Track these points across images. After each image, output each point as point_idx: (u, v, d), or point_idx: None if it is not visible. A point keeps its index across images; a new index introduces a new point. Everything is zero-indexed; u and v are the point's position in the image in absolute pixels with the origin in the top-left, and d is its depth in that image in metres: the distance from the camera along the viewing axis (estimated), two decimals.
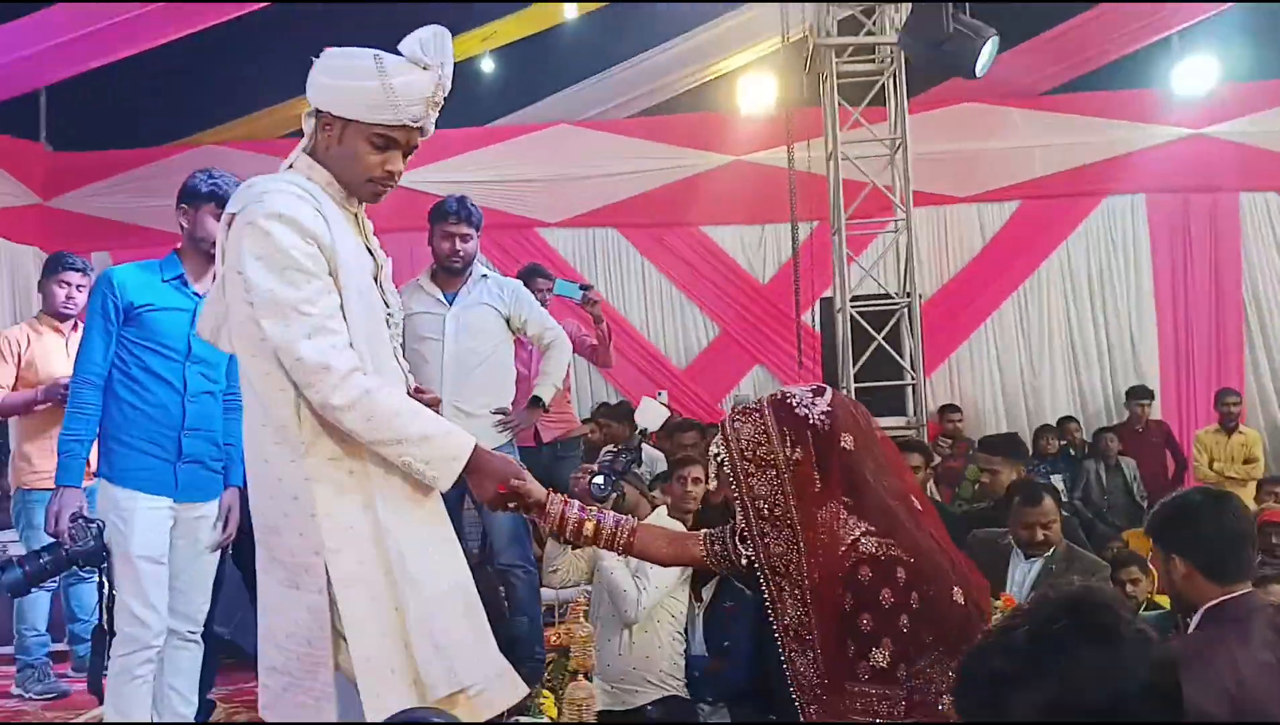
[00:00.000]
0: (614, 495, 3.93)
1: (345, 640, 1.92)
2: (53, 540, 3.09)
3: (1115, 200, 8.47)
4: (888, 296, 6.49)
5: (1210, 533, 2.21)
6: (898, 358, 6.25)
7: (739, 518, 1.87)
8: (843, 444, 1.81)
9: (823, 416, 1.82)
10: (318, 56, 2.06)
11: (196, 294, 3.19)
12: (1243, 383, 8.04)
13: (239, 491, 3.33)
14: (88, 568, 3.34)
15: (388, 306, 2.16)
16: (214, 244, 3.15)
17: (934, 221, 8.32)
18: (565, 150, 8.46)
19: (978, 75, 5.47)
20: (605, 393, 8.54)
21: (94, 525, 3.05)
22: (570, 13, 8.10)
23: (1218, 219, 8.37)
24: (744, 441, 1.84)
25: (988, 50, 5.17)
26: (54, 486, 3.15)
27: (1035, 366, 8.51)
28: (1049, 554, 3.92)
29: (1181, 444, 7.78)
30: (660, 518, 3.84)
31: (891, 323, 6.36)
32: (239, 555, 3.57)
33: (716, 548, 2.04)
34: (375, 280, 2.14)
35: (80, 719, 4.04)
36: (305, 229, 1.94)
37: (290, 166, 2.10)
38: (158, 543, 3.09)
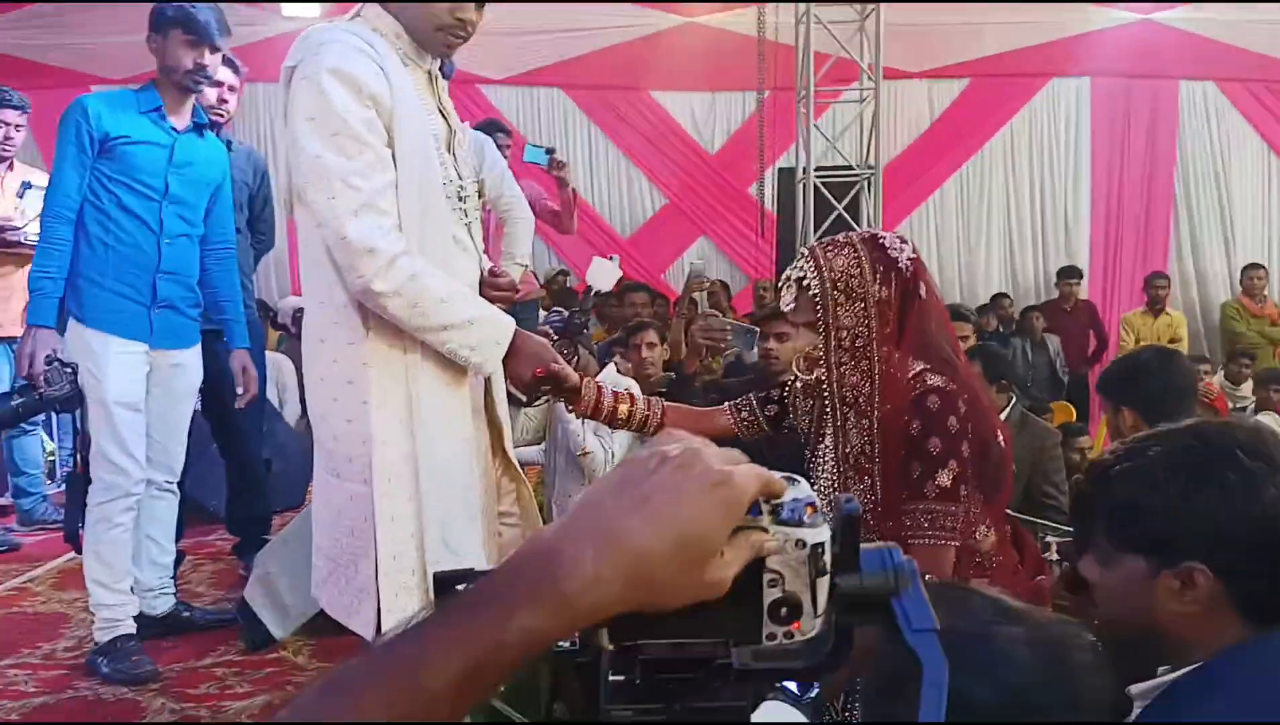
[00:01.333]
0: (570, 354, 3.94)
1: (377, 532, 1.86)
2: (24, 382, 2.92)
3: (1061, 82, 8.56)
4: (849, 168, 6.45)
5: (1158, 386, 2.43)
6: (857, 229, 6.26)
7: (820, 345, 1.85)
8: (920, 292, 1.87)
9: (909, 262, 1.86)
10: None
11: (175, 130, 3.01)
12: (1167, 267, 8.34)
13: (246, 353, 3.29)
14: (63, 411, 3.19)
15: (460, 179, 1.99)
16: (186, 74, 2.95)
17: (885, 95, 8.26)
18: (511, 4, 8.05)
19: None
20: (548, 258, 8.41)
21: (69, 368, 2.88)
22: None
23: (1158, 106, 8.54)
24: (837, 272, 1.83)
25: None
26: (25, 327, 2.98)
27: (972, 244, 8.67)
28: (1006, 417, 4.02)
29: (1105, 324, 8.09)
30: (610, 374, 3.81)
31: (851, 194, 6.34)
32: (207, 407, 3.45)
33: (744, 414, 2.12)
34: (448, 148, 1.98)
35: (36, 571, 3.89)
36: (363, 89, 1.78)
37: (357, 15, 1.92)
38: (134, 389, 2.95)
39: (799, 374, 1.94)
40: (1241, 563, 1.12)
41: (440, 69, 2.03)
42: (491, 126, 5.28)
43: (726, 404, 2.17)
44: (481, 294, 2.02)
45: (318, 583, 2.03)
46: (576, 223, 5.82)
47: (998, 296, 8.21)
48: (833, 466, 1.92)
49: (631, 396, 2.11)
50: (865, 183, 6.38)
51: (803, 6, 6.21)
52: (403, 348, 1.87)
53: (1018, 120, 8.57)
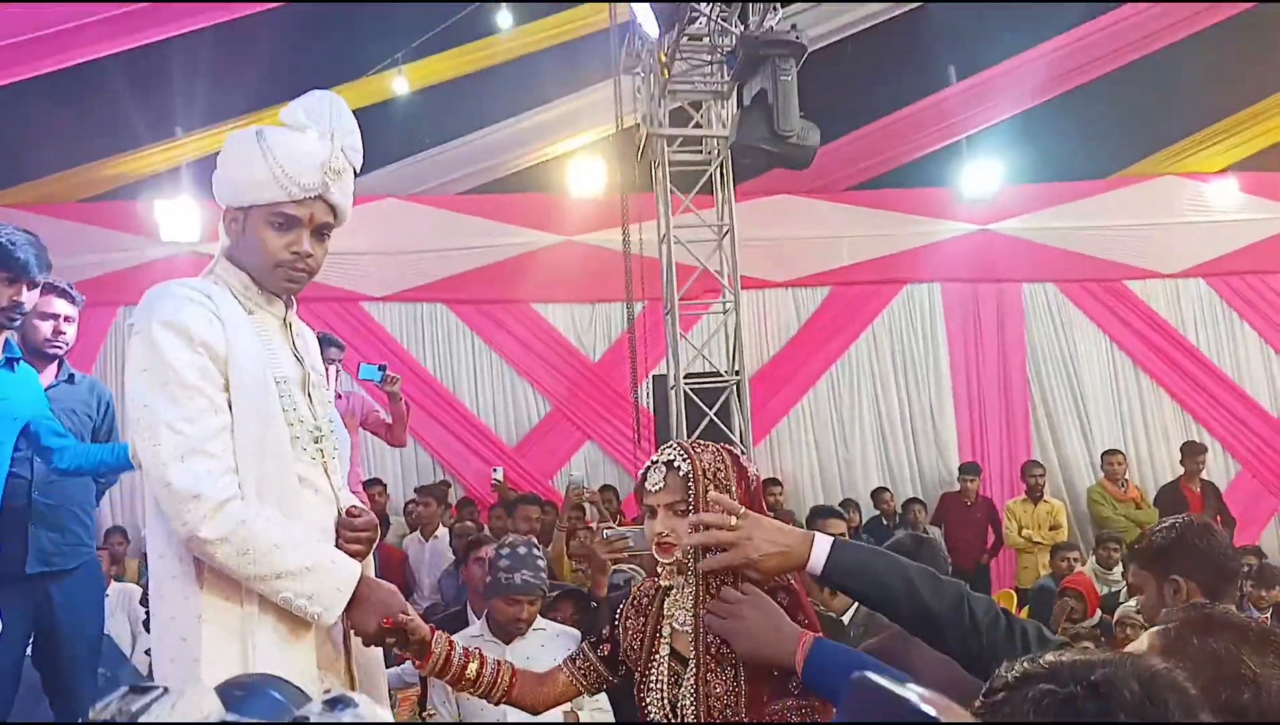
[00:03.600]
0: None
1: None
2: None
3: (915, 288, 9.19)
4: (718, 374, 6.73)
5: (1212, 555, 2.40)
6: (729, 432, 6.46)
7: (673, 532, 1.86)
8: (763, 502, 1.96)
9: (755, 476, 1.95)
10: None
11: None
12: (1031, 456, 8.75)
13: None
14: None
15: (315, 420, 1.98)
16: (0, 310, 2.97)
17: (754, 303, 8.74)
18: (393, 224, 8.39)
19: (806, 167, 5.79)
20: (432, 469, 8.39)
21: None
22: (401, 88, 8.12)
23: (1003, 306, 9.20)
24: (706, 462, 1.87)
25: (814, 145, 5.54)
26: None
27: (848, 441, 8.99)
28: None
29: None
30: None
31: (721, 399, 6.58)
32: (39, 657, 3.27)
33: (580, 664, 2.08)
34: (303, 389, 1.98)
35: None
36: (194, 336, 1.79)
37: (210, 271, 1.97)
38: None
39: (659, 554, 1.89)
40: None
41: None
42: (323, 342, 5.40)
43: (562, 663, 2.13)
44: (338, 536, 1.97)
45: None
46: (407, 436, 6.00)
47: (878, 490, 8.46)
48: (677, 673, 1.89)
49: (482, 656, 2.03)
50: (734, 388, 6.64)
51: (664, 232, 6.63)
52: (239, 600, 1.79)
53: (878, 323, 9.11)
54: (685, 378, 6.53)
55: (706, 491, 1.83)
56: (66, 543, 3.19)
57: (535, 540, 3.59)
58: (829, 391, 9.03)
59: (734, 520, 1.75)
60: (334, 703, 0.58)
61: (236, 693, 0.61)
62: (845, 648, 1.86)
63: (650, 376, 7.46)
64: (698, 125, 6.88)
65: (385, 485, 7.67)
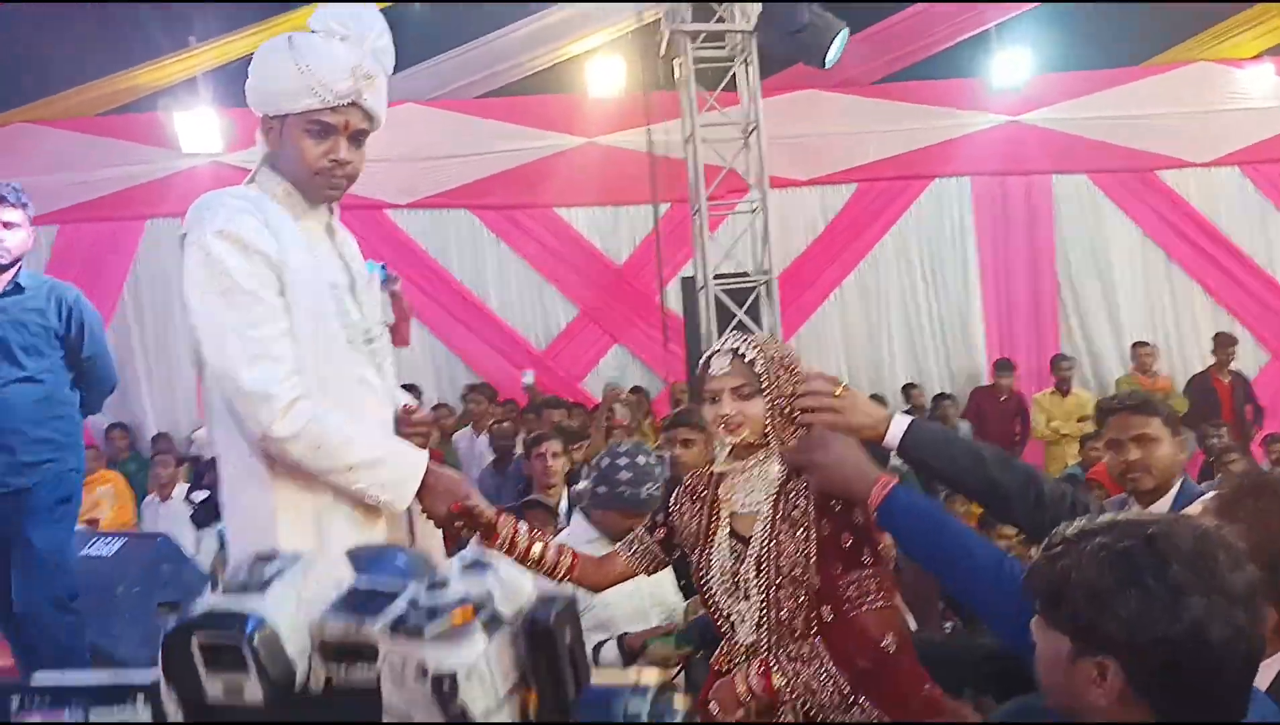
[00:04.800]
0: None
1: None
2: None
3: (943, 183, 9.04)
4: (745, 274, 6.71)
5: None
6: (758, 332, 6.48)
7: (766, 414, 1.96)
8: None
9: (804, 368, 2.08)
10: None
11: None
12: (1059, 350, 8.73)
13: None
14: None
15: (365, 321, 2.02)
16: None
17: (780, 202, 8.63)
18: (412, 130, 8.26)
19: (827, 66, 5.71)
20: (465, 374, 8.49)
21: None
22: None
23: (1033, 199, 9.06)
24: (772, 349, 2.00)
25: (838, 42, 5.41)
26: None
27: (875, 339, 8.99)
28: None
29: None
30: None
31: (750, 299, 6.58)
32: None
33: (636, 547, 2.19)
34: (351, 293, 2.02)
35: None
36: (249, 245, 1.83)
37: (252, 180, 1.99)
38: None
39: (725, 435, 1.98)
40: (1153, 671, 1.13)
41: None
42: None
43: (619, 545, 2.24)
44: (397, 432, 2.03)
45: None
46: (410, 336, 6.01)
47: (907, 387, 8.53)
48: (739, 550, 1.98)
49: (545, 538, 2.13)
50: (763, 288, 6.63)
51: (689, 131, 6.54)
52: (312, 492, 1.87)
53: (906, 220, 9.00)
54: (714, 278, 6.52)
55: (777, 377, 1.96)
56: (18, 461, 3.09)
57: (647, 445, 3.59)
58: (856, 289, 8.99)
59: (838, 390, 1.90)
60: (474, 566, 0.59)
61: (363, 558, 0.63)
62: (924, 496, 1.96)
63: (678, 278, 7.44)
64: (720, 20, 6.72)
65: (421, 392, 7.77)
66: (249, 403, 1.80)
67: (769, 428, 1.96)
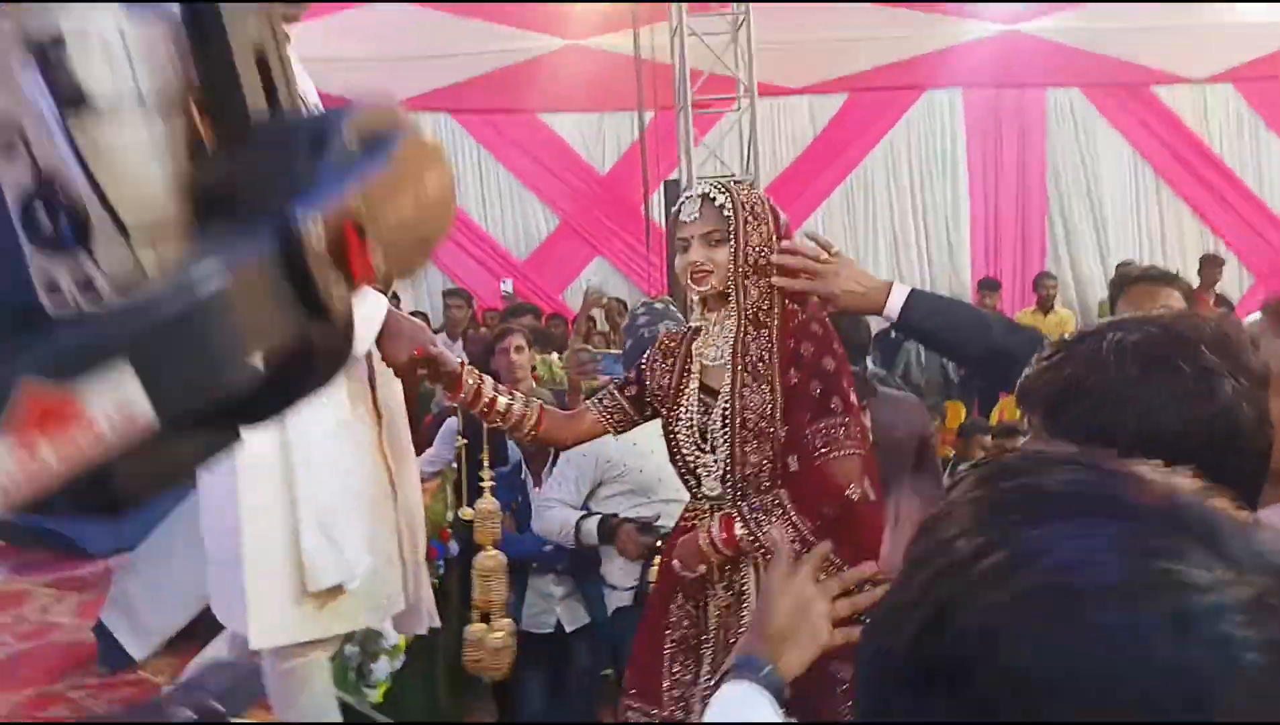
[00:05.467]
0: None
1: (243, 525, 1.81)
2: None
3: (935, 95, 8.88)
4: (733, 177, 6.57)
5: None
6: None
7: (728, 262, 1.90)
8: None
9: (786, 219, 2.00)
10: None
11: None
12: (1043, 267, 8.67)
13: None
14: None
15: None
16: None
17: (769, 111, 8.45)
18: (390, 28, 8.02)
19: None
20: (443, 282, 8.35)
21: None
22: None
23: (1026, 114, 8.93)
24: (742, 198, 1.93)
25: None
26: None
27: (861, 254, 8.88)
28: None
29: None
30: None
31: None
32: None
33: (607, 403, 2.11)
34: None
35: None
36: None
37: None
38: None
39: (693, 286, 1.94)
40: (1183, 462, 1.04)
41: None
42: None
43: (588, 402, 2.18)
44: None
45: (212, 595, 1.96)
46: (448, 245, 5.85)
47: None
48: (707, 403, 1.95)
49: (512, 392, 2.07)
50: None
51: (676, 24, 6.34)
52: None
53: (896, 132, 8.86)
54: (698, 182, 6.38)
55: (745, 225, 1.89)
56: None
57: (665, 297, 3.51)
58: (844, 203, 8.89)
59: (825, 255, 1.84)
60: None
61: None
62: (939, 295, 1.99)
63: (662, 184, 7.30)
64: None
65: (400, 300, 7.64)
66: None
67: (730, 277, 1.90)
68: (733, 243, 1.88)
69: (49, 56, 0.41)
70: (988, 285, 8.14)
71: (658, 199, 7.53)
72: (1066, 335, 1.15)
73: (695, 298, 1.98)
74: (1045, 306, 7.88)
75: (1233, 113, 9.11)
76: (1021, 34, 8.66)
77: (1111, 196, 9.04)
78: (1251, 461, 1.03)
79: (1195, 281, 7.95)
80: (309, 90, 2.02)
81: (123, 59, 0.42)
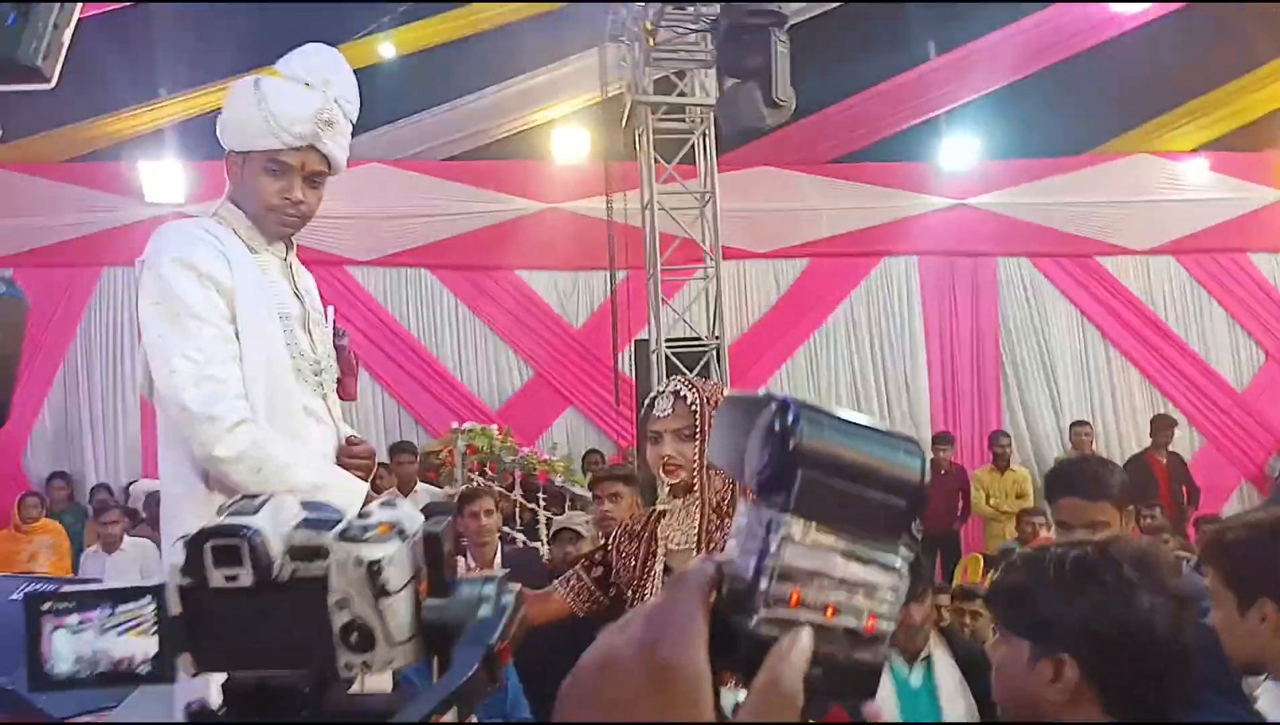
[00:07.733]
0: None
1: None
2: None
3: (892, 261, 9.34)
4: (698, 339, 6.87)
5: None
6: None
7: (694, 457, 2.05)
8: None
9: None
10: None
11: None
12: (1002, 427, 8.94)
13: None
14: None
15: (315, 355, 2.09)
16: None
17: (735, 274, 8.86)
18: (377, 189, 8.42)
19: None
20: (415, 431, 8.50)
21: None
22: (388, 53, 8.15)
23: (978, 280, 9.38)
24: (709, 391, 2.10)
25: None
26: None
27: None
28: None
29: None
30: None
31: (702, 363, 6.73)
32: None
33: (574, 584, 2.23)
34: (303, 326, 2.09)
35: None
36: (201, 271, 1.90)
37: (215, 213, 2.08)
38: None
39: (665, 476, 2.07)
40: (1106, 661, 1.25)
41: None
42: None
43: (556, 582, 2.27)
44: (339, 463, 2.09)
45: None
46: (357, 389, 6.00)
47: None
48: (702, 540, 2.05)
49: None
50: (714, 353, 6.79)
51: (647, 199, 6.74)
52: None
53: (856, 295, 9.27)
54: (666, 342, 6.67)
55: (711, 418, 2.04)
56: None
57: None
58: (806, 361, 9.20)
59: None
60: (387, 503, 0.73)
61: (308, 503, 0.77)
62: None
63: (633, 342, 7.58)
64: (682, 93, 6.98)
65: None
66: (193, 423, 1.85)
67: (695, 472, 2.04)
68: (697, 440, 2.04)
69: (373, 568, 0.68)
70: (940, 440, 8.35)
71: (628, 354, 7.81)
72: (1018, 557, 1.45)
73: (662, 485, 2.11)
74: (1001, 465, 8.10)
75: (1176, 282, 9.60)
76: (970, 208, 9.22)
77: (1063, 358, 9.42)
78: (1165, 663, 1.27)
79: (1147, 441, 8.26)
80: (310, 287, 2.24)
81: (401, 567, 0.70)
